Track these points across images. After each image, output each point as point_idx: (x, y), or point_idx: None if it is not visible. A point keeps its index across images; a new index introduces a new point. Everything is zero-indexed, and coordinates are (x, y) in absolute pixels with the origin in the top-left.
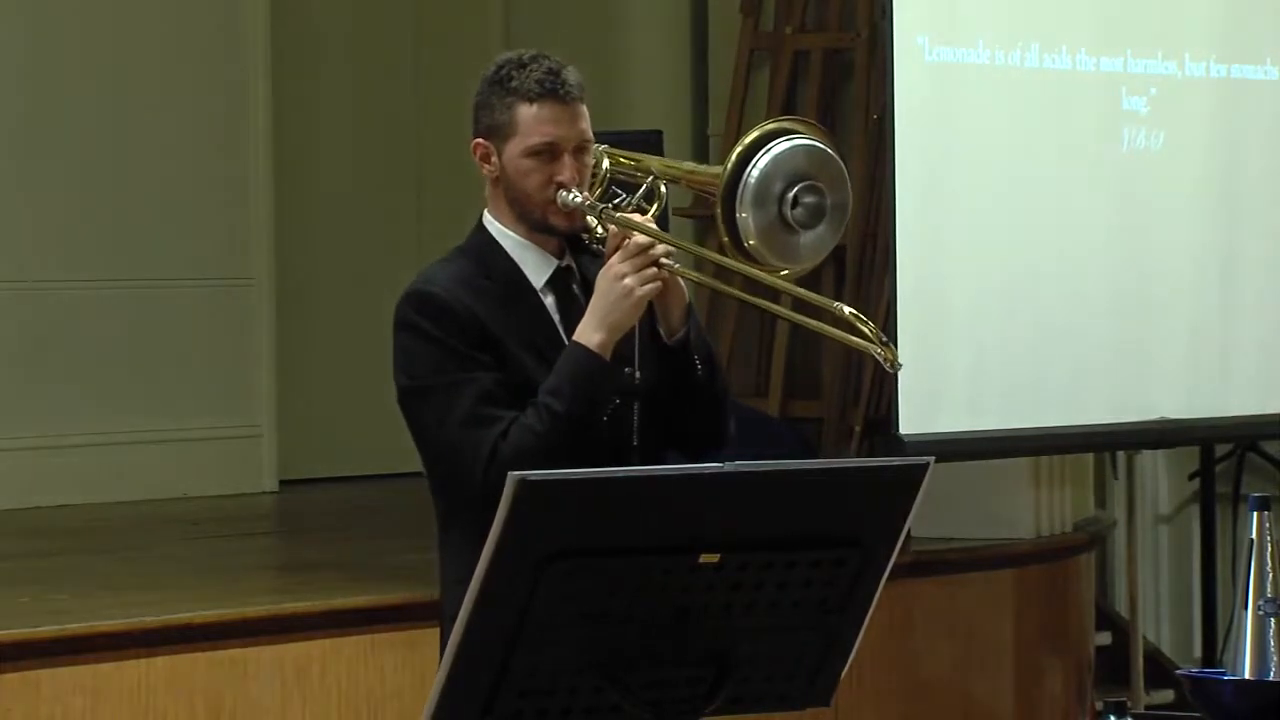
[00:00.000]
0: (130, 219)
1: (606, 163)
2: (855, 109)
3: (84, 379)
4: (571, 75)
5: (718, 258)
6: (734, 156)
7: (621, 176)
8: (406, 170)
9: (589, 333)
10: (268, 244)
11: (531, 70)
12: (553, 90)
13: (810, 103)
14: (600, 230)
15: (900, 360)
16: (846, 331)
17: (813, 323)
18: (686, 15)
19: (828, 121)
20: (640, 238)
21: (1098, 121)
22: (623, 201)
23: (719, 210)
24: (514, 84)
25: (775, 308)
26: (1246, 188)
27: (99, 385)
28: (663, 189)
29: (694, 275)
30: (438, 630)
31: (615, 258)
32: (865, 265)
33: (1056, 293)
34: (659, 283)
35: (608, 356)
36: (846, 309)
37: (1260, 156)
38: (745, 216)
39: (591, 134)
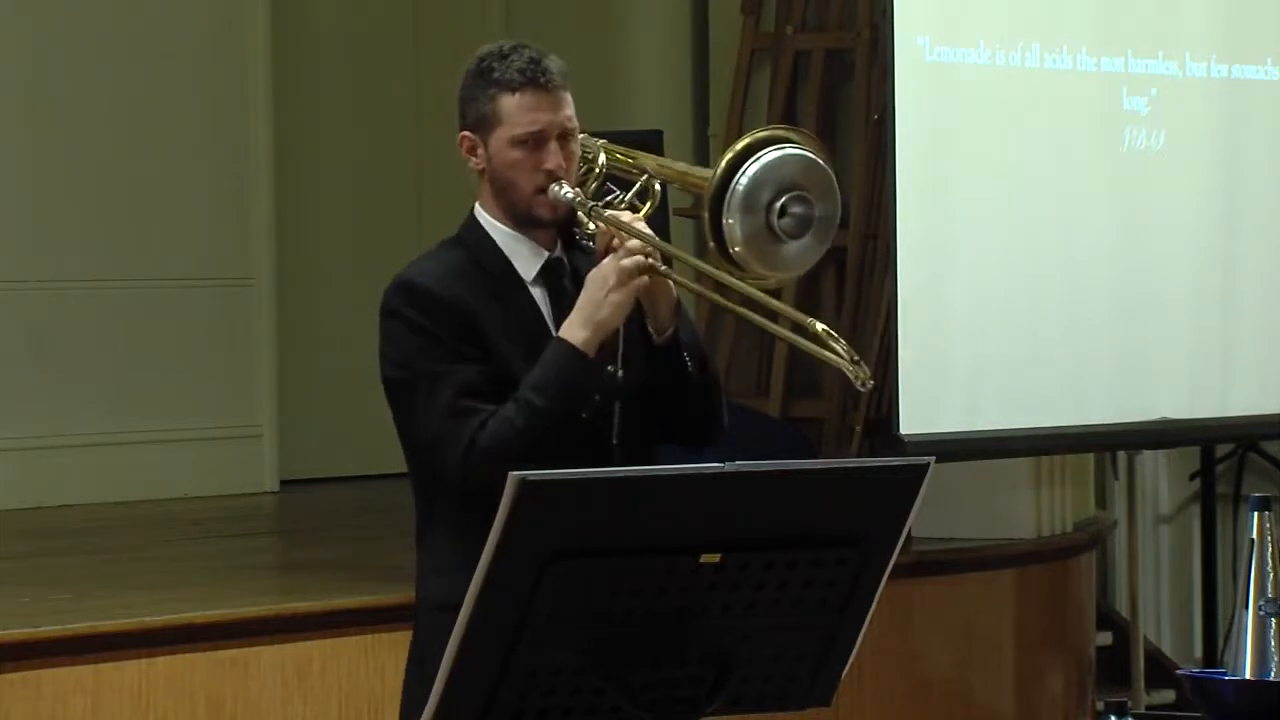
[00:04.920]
0: (131, 219)
1: (603, 158)
2: (855, 109)
3: (84, 379)
4: (554, 64)
5: (701, 265)
6: (724, 162)
7: (618, 173)
8: (406, 170)
9: (574, 330)
10: (268, 244)
11: (513, 60)
12: (534, 79)
13: (810, 103)
14: (591, 226)
15: (871, 379)
16: (819, 347)
17: (787, 334)
18: (686, 15)
19: (828, 121)
20: (632, 241)
21: (1098, 121)
22: (616, 199)
23: (706, 214)
24: (496, 75)
25: (750, 314)
26: (1247, 188)
27: (99, 385)
28: (657, 188)
29: (685, 283)
30: None
31: (607, 259)
32: (865, 265)
33: (1057, 293)
34: (645, 282)
35: (592, 354)
36: (819, 325)
37: (1261, 156)
38: (732, 223)
39: (576, 121)
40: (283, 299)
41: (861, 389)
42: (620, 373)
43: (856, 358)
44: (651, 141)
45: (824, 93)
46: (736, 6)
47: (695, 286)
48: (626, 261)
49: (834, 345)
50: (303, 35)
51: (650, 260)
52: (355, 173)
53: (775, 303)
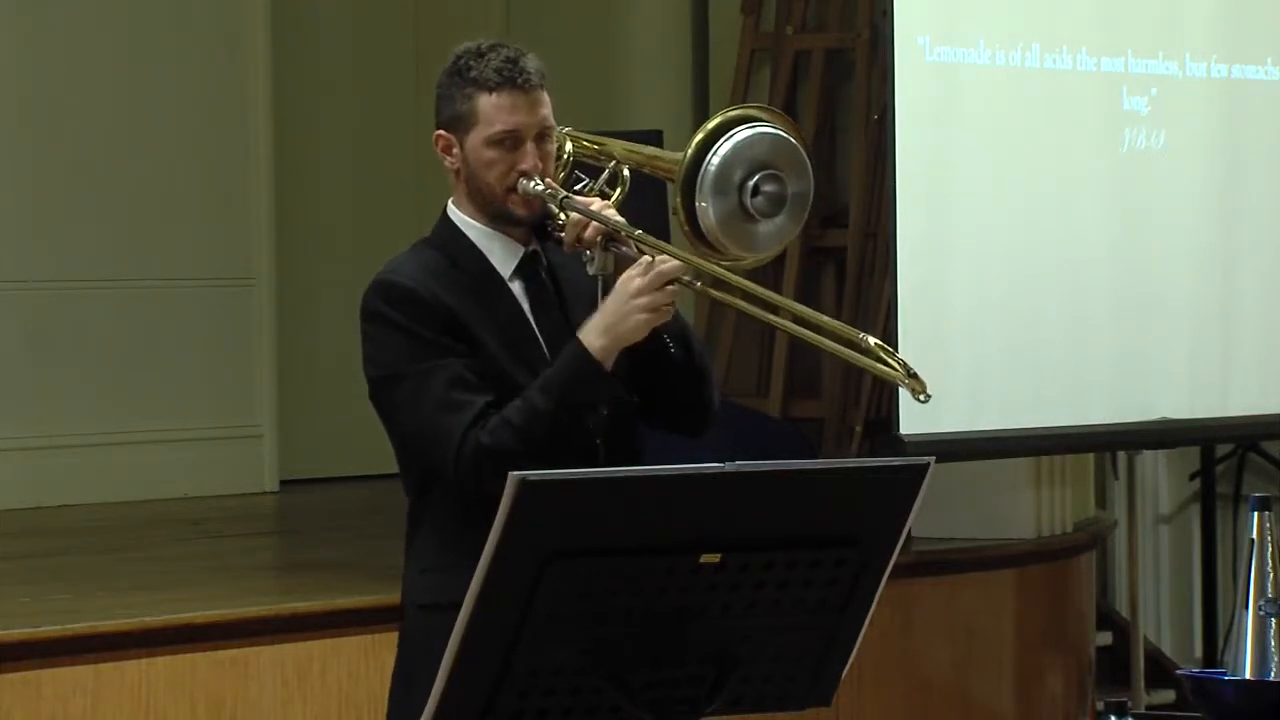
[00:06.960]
0: (131, 219)
1: (570, 145)
2: (855, 109)
3: (85, 379)
4: (531, 63)
5: (717, 270)
6: (695, 143)
7: (586, 159)
8: (406, 170)
9: (594, 337)
10: (268, 244)
11: (490, 59)
12: (511, 79)
13: (810, 103)
14: (563, 218)
15: (929, 391)
16: (874, 361)
17: (841, 349)
18: (686, 15)
19: (828, 121)
20: (664, 264)
21: (1098, 122)
22: (586, 186)
23: (678, 198)
24: (472, 74)
25: (803, 332)
26: (1247, 188)
27: (99, 385)
28: (626, 174)
29: (716, 294)
30: None
31: (635, 271)
32: (865, 265)
33: (1057, 293)
34: (673, 304)
35: (608, 365)
36: (872, 340)
37: (1261, 157)
38: (705, 205)
39: (553, 121)
40: (283, 299)
41: (922, 401)
42: (635, 399)
43: (913, 370)
44: (651, 142)
45: (824, 93)
46: (736, 6)
47: (740, 304)
48: (654, 279)
49: (888, 360)
50: (303, 35)
51: (681, 279)
52: (355, 173)
53: (823, 317)
